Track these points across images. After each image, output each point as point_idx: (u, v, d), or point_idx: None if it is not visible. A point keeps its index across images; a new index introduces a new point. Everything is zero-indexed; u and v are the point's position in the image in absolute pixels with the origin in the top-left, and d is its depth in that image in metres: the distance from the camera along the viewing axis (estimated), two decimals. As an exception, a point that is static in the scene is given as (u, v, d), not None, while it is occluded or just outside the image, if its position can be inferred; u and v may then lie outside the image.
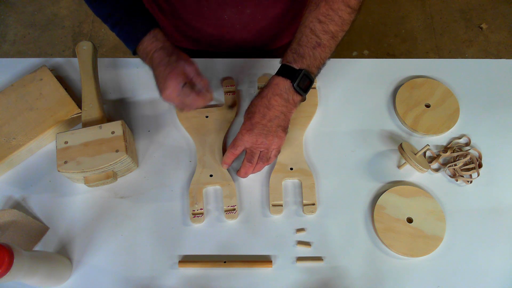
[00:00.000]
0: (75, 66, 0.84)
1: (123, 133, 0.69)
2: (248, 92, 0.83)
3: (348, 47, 1.93)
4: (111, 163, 0.67)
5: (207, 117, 0.78)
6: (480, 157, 0.76)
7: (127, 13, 0.68)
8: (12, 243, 0.52)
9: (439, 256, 0.68)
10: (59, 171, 0.67)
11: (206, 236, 0.69)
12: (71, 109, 0.76)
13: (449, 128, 0.78)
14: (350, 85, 0.83)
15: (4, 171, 0.74)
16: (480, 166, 0.75)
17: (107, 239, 0.69)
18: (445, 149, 0.77)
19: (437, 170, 0.75)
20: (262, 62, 0.85)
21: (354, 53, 1.92)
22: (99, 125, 0.70)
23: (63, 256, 0.66)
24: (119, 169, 0.70)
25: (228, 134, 0.78)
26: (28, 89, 0.77)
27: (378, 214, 0.70)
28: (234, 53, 0.89)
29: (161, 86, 0.65)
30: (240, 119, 0.79)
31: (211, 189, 0.73)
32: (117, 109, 0.81)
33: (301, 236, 0.69)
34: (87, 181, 0.69)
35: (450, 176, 0.75)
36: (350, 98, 0.82)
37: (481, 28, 1.97)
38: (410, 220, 0.69)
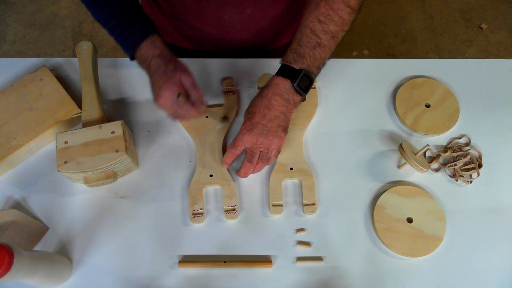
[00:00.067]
0: (75, 66, 0.84)
1: (123, 133, 0.69)
2: (248, 92, 0.83)
3: (348, 47, 1.93)
4: (111, 163, 0.67)
5: (207, 117, 0.78)
6: (480, 157, 0.76)
7: (126, 18, 0.68)
8: (12, 243, 0.52)
9: (439, 256, 0.68)
10: (59, 171, 0.67)
11: (206, 236, 0.69)
12: (71, 109, 0.76)
13: (449, 128, 0.78)
14: (350, 85, 0.83)
15: (4, 171, 0.74)
16: (480, 166, 0.75)
17: (107, 239, 0.69)
18: (445, 149, 0.77)
19: (437, 170, 0.75)
20: (262, 62, 0.85)
21: (354, 53, 1.93)
22: (99, 125, 0.70)
23: (63, 256, 0.66)
24: (119, 169, 0.70)
25: (228, 134, 0.78)
26: (28, 89, 0.77)
27: (378, 214, 0.70)
28: (234, 53, 0.89)
29: (155, 94, 0.66)
30: (240, 119, 0.79)
31: (211, 189, 0.73)
32: (117, 109, 0.81)
33: (301, 236, 0.69)
34: (87, 181, 0.69)
35: (450, 176, 0.75)
36: (350, 98, 0.82)
37: (481, 28, 1.97)
38: (410, 220, 0.69)
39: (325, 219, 0.71)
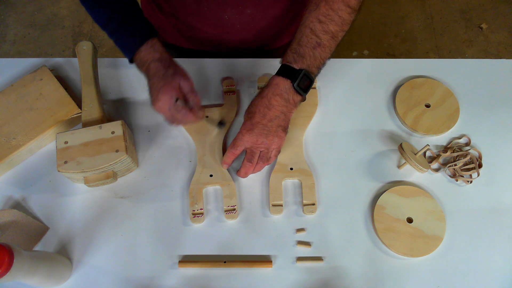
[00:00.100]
0: (75, 66, 0.84)
1: (123, 133, 0.69)
2: (248, 92, 0.83)
3: (348, 47, 1.93)
4: (111, 163, 0.67)
5: (207, 117, 0.78)
6: (480, 157, 0.76)
7: (125, 20, 0.68)
8: (12, 243, 0.52)
9: (439, 256, 0.68)
10: (59, 171, 0.67)
11: (206, 236, 0.69)
12: (71, 109, 0.76)
13: (449, 128, 0.78)
14: (350, 85, 0.83)
15: (4, 171, 0.74)
16: (480, 166, 0.75)
17: (107, 239, 0.69)
18: (445, 149, 0.77)
19: (437, 170, 0.75)
20: (262, 62, 0.85)
21: (354, 53, 1.93)
22: (99, 125, 0.70)
23: (63, 256, 0.66)
24: (119, 169, 0.70)
25: (228, 134, 0.78)
26: (28, 89, 0.77)
27: (378, 214, 0.70)
28: (234, 53, 0.89)
29: (153, 97, 0.66)
30: (240, 119, 0.79)
31: (211, 189, 0.73)
32: (117, 109, 0.81)
33: (301, 236, 0.69)
34: (87, 181, 0.69)
35: (450, 176, 0.75)
36: (350, 98, 0.82)
37: (481, 28, 1.97)
38: (410, 220, 0.69)
39: (325, 219, 0.71)
